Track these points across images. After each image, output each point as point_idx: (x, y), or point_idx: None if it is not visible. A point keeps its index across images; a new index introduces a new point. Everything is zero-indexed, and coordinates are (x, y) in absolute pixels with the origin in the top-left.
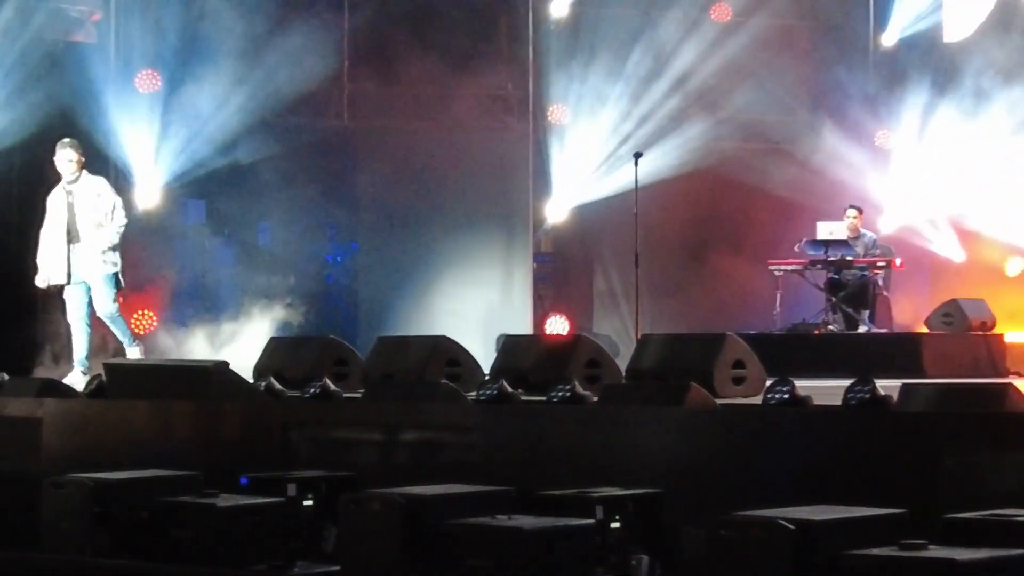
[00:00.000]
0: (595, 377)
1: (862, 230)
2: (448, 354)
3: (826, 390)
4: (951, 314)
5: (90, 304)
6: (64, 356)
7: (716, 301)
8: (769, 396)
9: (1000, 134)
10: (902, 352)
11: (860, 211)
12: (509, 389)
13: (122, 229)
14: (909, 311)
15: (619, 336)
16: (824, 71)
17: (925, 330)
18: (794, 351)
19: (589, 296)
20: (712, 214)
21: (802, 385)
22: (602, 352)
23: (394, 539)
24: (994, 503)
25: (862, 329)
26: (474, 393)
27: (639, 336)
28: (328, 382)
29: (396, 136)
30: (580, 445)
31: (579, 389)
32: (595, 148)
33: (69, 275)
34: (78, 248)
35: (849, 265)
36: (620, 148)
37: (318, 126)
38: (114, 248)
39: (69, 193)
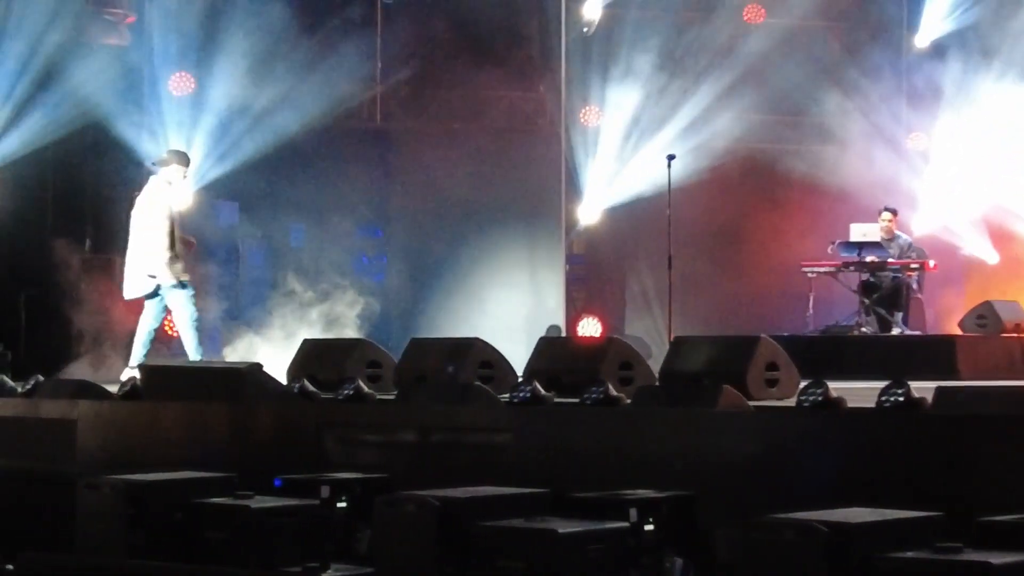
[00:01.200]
0: (628, 379)
1: (897, 232)
2: (481, 356)
3: (860, 392)
4: (985, 316)
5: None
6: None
7: (749, 303)
8: (803, 398)
9: None
10: (936, 354)
11: (895, 213)
12: (542, 391)
13: None
14: (943, 313)
15: (651, 338)
16: (857, 73)
17: (959, 332)
18: (828, 353)
19: (621, 298)
20: (744, 216)
21: (836, 387)
22: (635, 354)
23: (428, 541)
24: None
25: (895, 331)
26: (507, 395)
27: (672, 338)
28: (361, 384)
29: (428, 138)
30: (613, 447)
31: (612, 391)
32: (627, 150)
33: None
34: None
35: (882, 267)
36: (652, 150)
37: (351, 128)
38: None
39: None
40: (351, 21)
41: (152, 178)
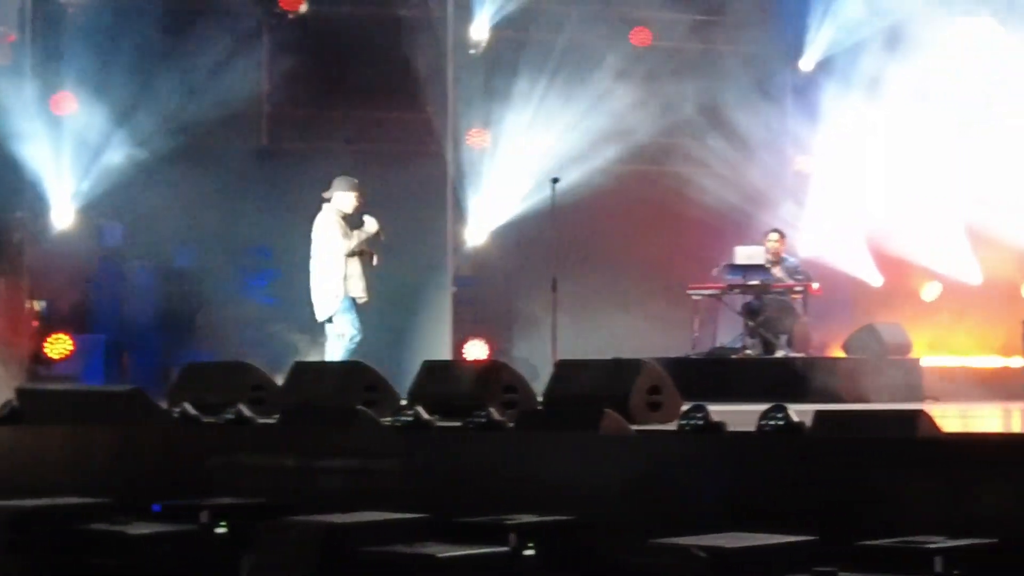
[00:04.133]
0: (512, 403)
1: (784, 255)
2: (365, 379)
3: (743, 416)
4: (869, 338)
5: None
6: None
7: (634, 326)
8: (683, 422)
9: (918, 160)
10: (820, 377)
11: (782, 235)
12: (425, 415)
13: None
14: (827, 335)
15: (538, 360)
16: (743, 95)
17: (843, 354)
18: (712, 376)
19: (509, 320)
20: (629, 238)
21: (720, 411)
22: (519, 377)
23: (311, 567)
24: (907, 529)
25: (780, 354)
26: (390, 419)
27: (556, 361)
28: (243, 408)
29: (315, 158)
30: (497, 471)
31: (495, 415)
32: (513, 172)
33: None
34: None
35: (767, 290)
36: (539, 172)
37: (239, 147)
38: None
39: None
40: (238, 41)
41: (324, 206)
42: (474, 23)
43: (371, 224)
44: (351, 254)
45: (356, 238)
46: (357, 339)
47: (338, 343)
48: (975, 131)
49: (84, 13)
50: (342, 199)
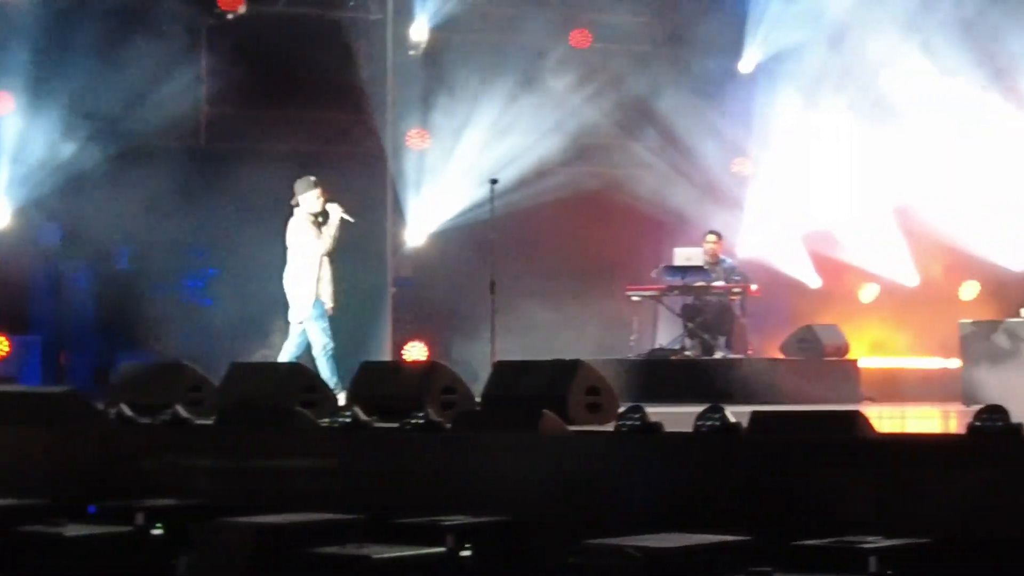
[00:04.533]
0: (450, 403)
1: (722, 256)
2: (303, 380)
3: (682, 416)
4: (806, 340)
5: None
6: None
7: (573, 327)
8: (621, 423)
9: (856, 163)
10: (758, 378)
11: (720, 236)
12: (363, 416)
13: None
14: (765, 337)
15: (478, 361)
16: (682, 97)
17: (780, 356)
18: (651, 377)
19: (449, 321)
20: (568, 240)
21: (659, 412)
22: (457, 378)
23: (246, 567)
24: (842, 529)
25: (718, 355)
26: (328, 420)
27: (495, 362)
28: (180, 409)
29: (255, 159)
30: (434, 472)
31: (433, 416)
32: (453, 173)
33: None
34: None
35: (706, 291)
36: (478, 173)
37: (178, 149)
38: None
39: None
40: (177, 42)
41: (296, 211)
42: (414, 24)
43: (334, 213)
44: (327, 254)
45: (328, 235)
46: (330, 347)
47: (292, 349)
48: (913, 133)
49: (22, 13)
50: (307, 200)
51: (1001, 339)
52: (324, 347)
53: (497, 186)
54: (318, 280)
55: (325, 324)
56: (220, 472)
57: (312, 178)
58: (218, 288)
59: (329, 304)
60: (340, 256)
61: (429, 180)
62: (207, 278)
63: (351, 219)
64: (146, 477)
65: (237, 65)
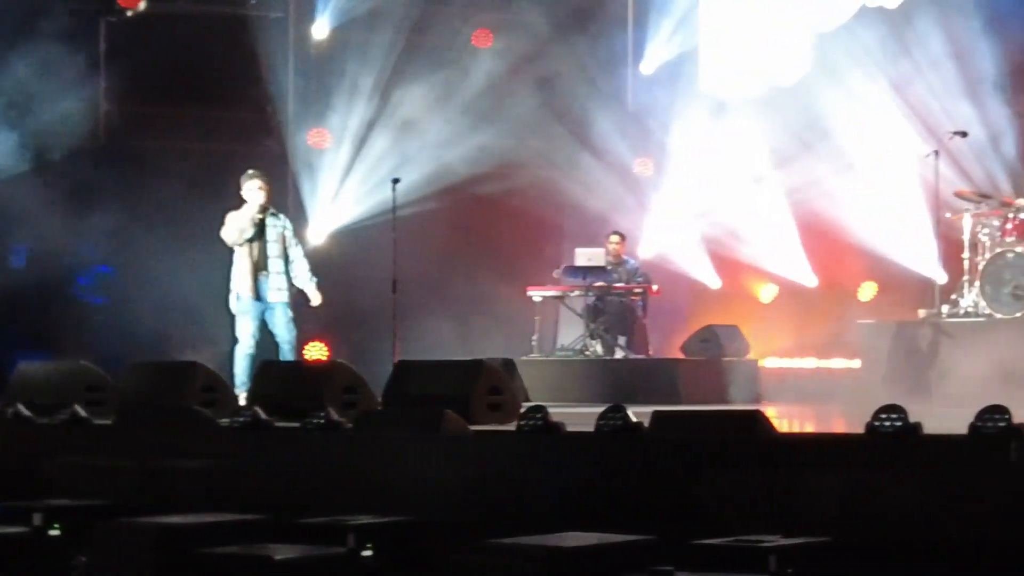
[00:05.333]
0: (352, 403)
1: (625, 256)
2: (203, 380)
3: (584, 416)
4: (707, 340)
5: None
6: None
7: (476, 327)
8: (522, 423)
9: (755, 163)
10: (659, 378)
11: (623, 237)
12: (263, 416)
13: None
14: (667, 337)
15: (380, 361)
16: (584, 98)
17: (681, 356)
18: (553, 377)
19: (350, 321)
20: (472, 240)
21: (561, 412)
22: (358, 378)
23: (146, 568)
24: (743, 529)
25: (619, 355)
26: (228, 420)
27: (396, 362)
28: (79, 408)
29: (154, 157)
30: (336, 472)
31: (334, 416)
32: (354, 172)
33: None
34: (265, 274)
35: (607, 291)
36: (380, 172)
37: (75, 147)
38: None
39: (260, 220)
40: (76, 39)
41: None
42: (315, 23)
43: (248, 206)
44: (237, 245)
45: (232, 227)
46: (249, 348)
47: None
48: (812, 135)
49: None
50: (248, 194)
51: (899, 339)
52: (242, 346)
53: (399, 186)
54: (236, 274)
55: (247, 320)
56: (119, 472)
57: (249, 171)
58: (113, 286)
59: (246, 295)
60: None
61: (331, 180)
62: (104, 276)
63: (257, 215)
64: (44, 477)
65: (137, 63)
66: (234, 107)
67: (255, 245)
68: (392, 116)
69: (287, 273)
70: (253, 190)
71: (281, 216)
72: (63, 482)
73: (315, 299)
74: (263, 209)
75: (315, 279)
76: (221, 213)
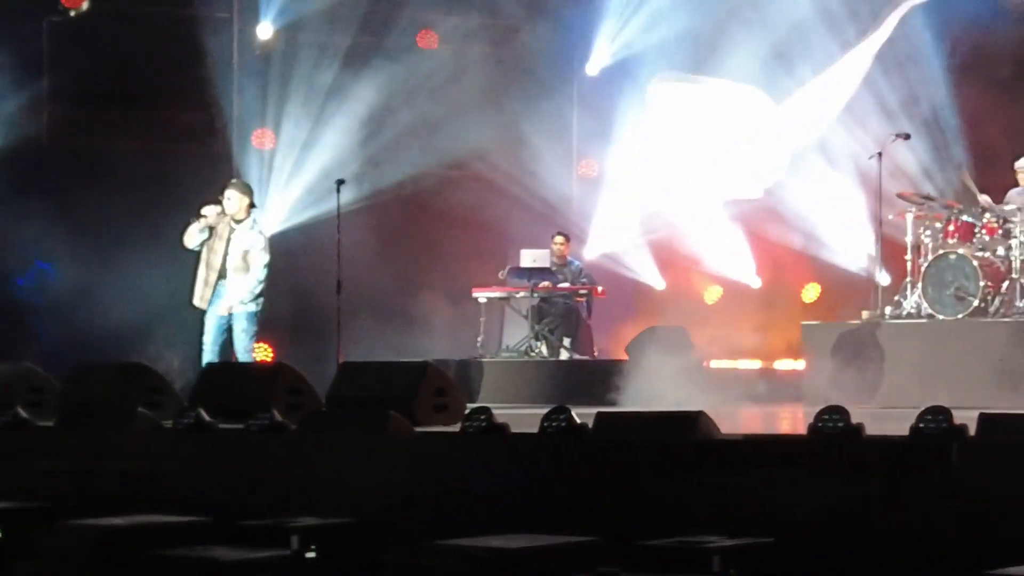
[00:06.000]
0: (296, 405)
1: (569, 257)
2: (147, 381)
3: (528, 418)
4: (652, 341)
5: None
6: None
7: (421, 328)
8: (467, 424)
9: (698, 165)
10: (604, 379)
11: (567, 238)
12: (207, 418)
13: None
14: (611, 338)
15: (325, 363)
16: (530, 100)
17: (626, 357)
18: (498, 378)
19: (295, 323)
20: (417, 241)
21: (505, 413)
22: (303, 380)
23: (88, 571)
24: (687, 530)
25: (564, 356)
26: (172, 422)
27: (340, 363)
28: (20, 411)
29: (98, 158)
30: (280, 474)
31: (278, 417)
32: (299, 173)
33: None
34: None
35: (552, 292)
36: (324, 173)
37: (17, 147)
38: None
39: (232, 230)
40: (18, 40)
41: None
42: (260, 24)
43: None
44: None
45: (197, 228)
46: (206, 350)
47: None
48: (755, 136)
49: None
50: (229, 205)
51: (843, 341)
52: (204, 351)
53: (344, 187)
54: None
55: (207, 326)
56: (61, 474)
57: (234, 179)
58: (53, 287)
59: (200, 305)
60: (187, 256)
61: (275, 181)
62: (45, 275)
63: (206, 222)
64: None
65: (80, 63)
66: (178, 108)
67: (215, 253)
68: (336, 117)
69: (251, 292)
70: (238, 200)
71: (255, 233)
72: (4, 485)
73: (224, 309)
74: (215, 217)
75: (254, 302)
76: (165, 214)
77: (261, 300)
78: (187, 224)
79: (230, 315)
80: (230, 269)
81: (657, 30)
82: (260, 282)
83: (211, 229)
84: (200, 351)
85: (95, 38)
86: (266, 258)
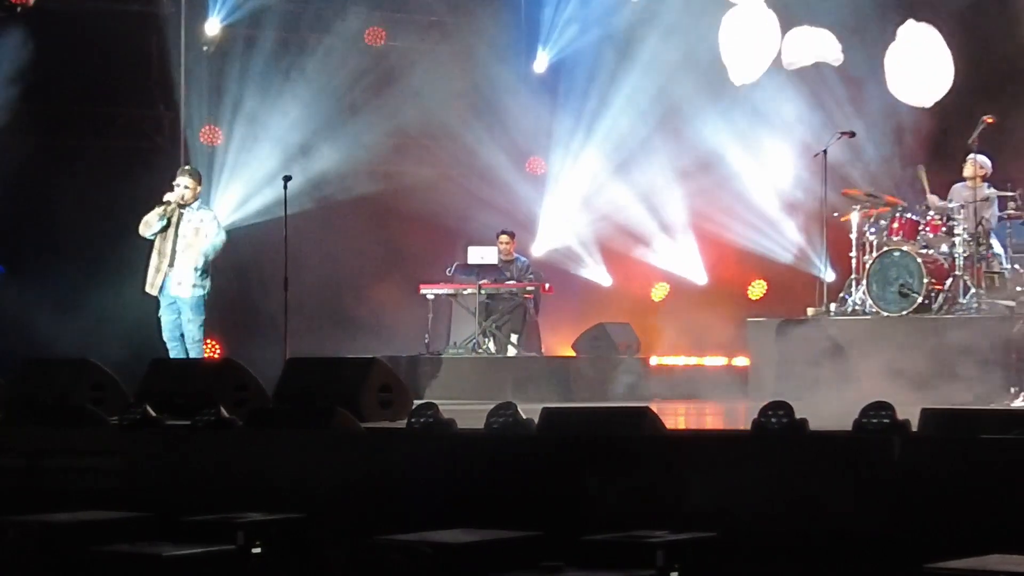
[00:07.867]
0: (243, 400)
1: (515, 254)
2: (93, 377)
3: (475, 414)
4: (599, 338)
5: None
6: None
7: (368, 325)
8: (413, 420)
9: (646, 161)
10: (551, 375)
11: (512, 236)
12: (153, 413)
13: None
14: (558, 335)
15: (272, 359)
16: (477, 96)
17: (573, 353)
18: (446, 375)
19: (242, 319)
20: (364, 237)
21: (452, 409)
22: (249, 376)
23: (31, 567)
24: (631, 525)
25: (512, 353)
26: (117, 417)
27: (287, 359)
28: None
29: (45, 155)
30: (226, 469)
31: (224, 413)
32: (247, 170)
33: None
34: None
35: (500, 289)
36: (271, 170)
37: None
38: (204, 271)
39: (181, 216)
40: None
41: None
42: (208, 20)
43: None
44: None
45: (155, 217)
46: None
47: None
48: (701, 133)
49: None
50: (183, 191)
51: (788, 337)
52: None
53: (291, 183)
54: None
55: (163, 316)
56: (6, 471)
57: (185, 166)
58: (6, 286)
59: (148, 289)
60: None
61: (223, 177)
62: None
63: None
64: None
65: (27, 58)
66: (126, 104)
67: (165, 239)
68: (284, 113)
69: (197, 269)
70: (185, 185)
71: (204, 210)
72: None
73: (174, 287)
74: (178, 204)
75: (202, 283)
76: (112, 210)
77: (208, 284)
78: (146, 214)
79: (173, 302)
80: (180, 250)
81: (599, 27)
82: (216, 249)
83: (168, 220)
84: (154, 344)
85: (42, 34)
86: (220, 232)
